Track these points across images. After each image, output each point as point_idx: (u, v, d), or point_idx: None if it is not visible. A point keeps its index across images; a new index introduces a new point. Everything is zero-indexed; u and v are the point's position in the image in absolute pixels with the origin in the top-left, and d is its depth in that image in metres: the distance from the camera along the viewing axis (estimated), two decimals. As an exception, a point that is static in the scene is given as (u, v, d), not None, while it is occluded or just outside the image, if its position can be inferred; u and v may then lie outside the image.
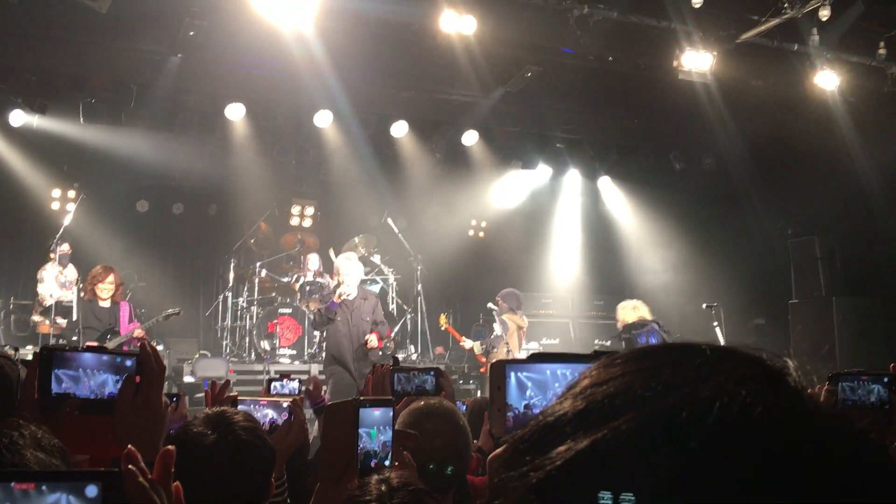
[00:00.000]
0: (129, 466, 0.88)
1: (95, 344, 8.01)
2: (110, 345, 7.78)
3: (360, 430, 1.80)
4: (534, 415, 1.12)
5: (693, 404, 0.52)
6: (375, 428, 1.84)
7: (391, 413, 1.88)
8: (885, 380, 2.25)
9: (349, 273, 7.55)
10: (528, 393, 1.09)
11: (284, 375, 3.74)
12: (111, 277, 8.22)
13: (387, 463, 1.85)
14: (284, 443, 2.56)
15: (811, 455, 0.50)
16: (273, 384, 3.64)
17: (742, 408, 0.51)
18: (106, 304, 8.22)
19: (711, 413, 0.51)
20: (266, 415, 2.67)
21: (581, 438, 0.53)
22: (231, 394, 2.90)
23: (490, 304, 10.57)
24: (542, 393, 1.09)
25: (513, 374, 1.09)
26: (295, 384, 3.67)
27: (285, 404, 2.68)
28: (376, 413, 1.85)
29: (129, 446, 0.92)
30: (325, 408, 1.87)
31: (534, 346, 11.19)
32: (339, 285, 7.56)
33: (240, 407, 2.61)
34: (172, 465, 0.96)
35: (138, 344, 7.23)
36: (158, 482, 0.93)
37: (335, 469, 1.80)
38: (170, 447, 0.97)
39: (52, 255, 9.50)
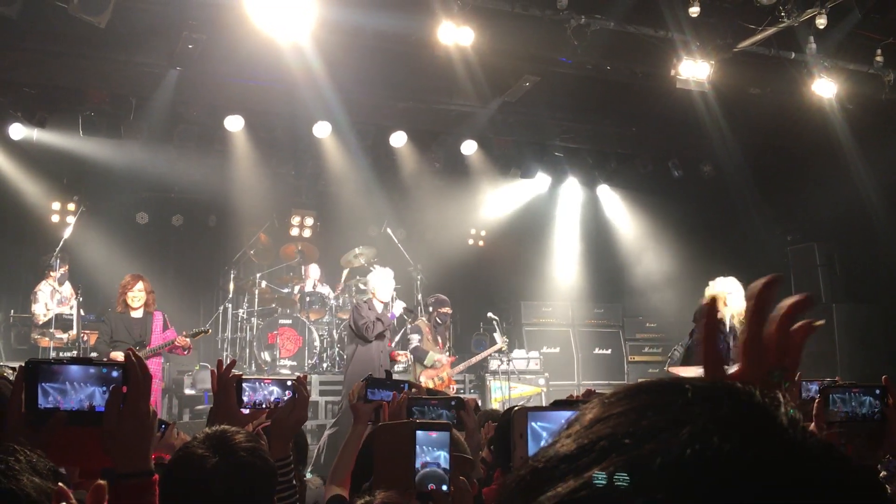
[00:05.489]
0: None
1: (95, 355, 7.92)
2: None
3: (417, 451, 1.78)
4: None
5: (667, 451, 0.51)
6: (426, 450, 1.83)
7: (447, 436, 1.87)
8: (877, 391, 2.24)
9: (382, 287, 8.19)
10: (541, 443, 1.09)
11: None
12: (140, 285, 7.88)
13: (444, 488, 1.83)
14: (289, 420, 2.57)
15: (786, 492, 0.50)
16: None
17: (716, 453, 0.51)
18: (138, 314, 7.89)
19: (684, 459, 0.51)
20: (271, 392, 2.66)
21: (568, 482, 0.53)
22: (236, 373, 2.89)
23: (490, 314, 10.56)
24: None
25: (531, 424, 1.09)
26: None
27: (289, 382, 2.68)
28: (432, 436, 1.84)
29: (60, 485, 0.91)
30: (378, 428, 1.86)
31: (534, 355, 11.17)
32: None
33: (244, 386, 2.62)
34: (105, 501, 0.95)
35: (184, 353, 6.91)
36: None
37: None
38: (101, 482, 0.97)
39: (52, 274, 9.51)
